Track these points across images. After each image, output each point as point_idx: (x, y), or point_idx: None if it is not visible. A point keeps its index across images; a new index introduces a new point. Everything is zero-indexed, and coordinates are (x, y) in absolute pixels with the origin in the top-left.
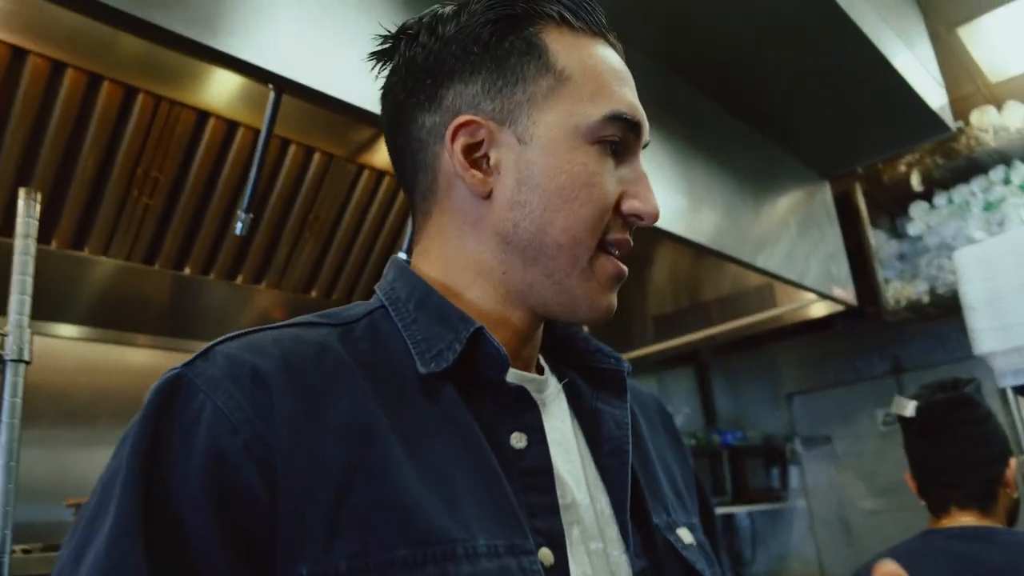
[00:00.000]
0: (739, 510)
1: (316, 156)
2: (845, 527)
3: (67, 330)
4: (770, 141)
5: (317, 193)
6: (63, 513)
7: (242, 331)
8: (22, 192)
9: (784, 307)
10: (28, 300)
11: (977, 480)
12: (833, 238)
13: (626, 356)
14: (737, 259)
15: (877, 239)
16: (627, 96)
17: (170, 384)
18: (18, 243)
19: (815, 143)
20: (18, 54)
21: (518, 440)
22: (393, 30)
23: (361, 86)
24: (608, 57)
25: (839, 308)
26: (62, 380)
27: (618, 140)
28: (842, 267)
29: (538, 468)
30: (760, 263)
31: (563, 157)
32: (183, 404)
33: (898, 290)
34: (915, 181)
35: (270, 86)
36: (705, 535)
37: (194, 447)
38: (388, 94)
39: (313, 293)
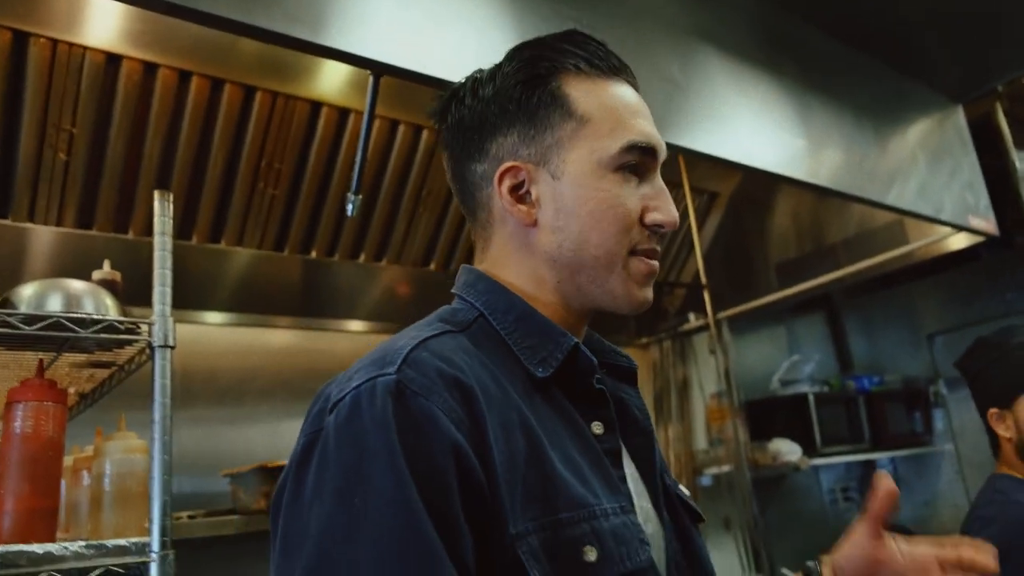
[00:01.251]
0: (880, 456)
1: (424, 133)
2: None
3: (213, 317)
4: (893, 70)
5: (428, 169)
6: (220, 483)
7: (416, 338)
8: (157, 194)
9: (917, 243)
10: (169, 291)
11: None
12: (969, 165)
13: (750, 305)
14: (865, 199)
15: (1022, 162)
16: (640, 126)
17: (393, 387)
18: (157, 240)
19: (945, 65)
20: (150, 68)
21: (597, 428)
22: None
23: (455, 62)
24: (622, 94)
25: (979, 239)
26: (211, 364)
27: (636, 163)
28: (981, 195)
29: (614, 449)
30: (891, 200)
31: (591, 186)
32: (411, 403)
33: None
34: None
35: (369, 72)
36: None
37: (437, 440)
38: (447, 147)
39: (432, 266)
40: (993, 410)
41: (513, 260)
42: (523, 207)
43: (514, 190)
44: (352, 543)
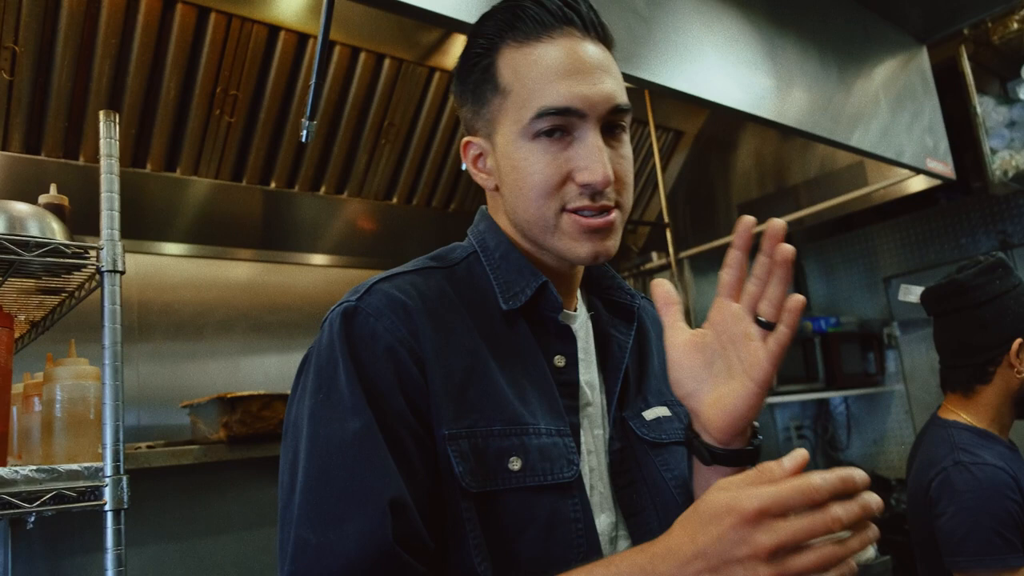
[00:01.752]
0: (833, 395)
1: (386, 62)
2: None
3: (171, 248)
4: (861, 8)
5: (390, 99)
6: (180, 416)
7: (389, 273)
8: (102, 115)
9: (876, 185)
10: (117, 215)
11: (963, 365)
12: (931, 109)
13: (710, 245)
14: (830, 139)
15: (984, 107)
16: (558, 88)
17: (351, 311)
18: (104, 163)
19: (910, 4)
20: None
21: (559, 360)
22: None
23: None
24: (545, 56)
25: (936, 183)
26: (169, 296)
27: (556, 127)
28: (940, 139)
29: (570, 381)
30: (854, 142)
31: (512, 157)
32: (363, 323)
33: (1006, 160)
34: None
35: None
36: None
37: (378, 349)
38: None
39: (394, 199)
40: (1020, 340)
41: (502, 211)
42: (483, 175)
43: (475, 161)
44: (315, 424)
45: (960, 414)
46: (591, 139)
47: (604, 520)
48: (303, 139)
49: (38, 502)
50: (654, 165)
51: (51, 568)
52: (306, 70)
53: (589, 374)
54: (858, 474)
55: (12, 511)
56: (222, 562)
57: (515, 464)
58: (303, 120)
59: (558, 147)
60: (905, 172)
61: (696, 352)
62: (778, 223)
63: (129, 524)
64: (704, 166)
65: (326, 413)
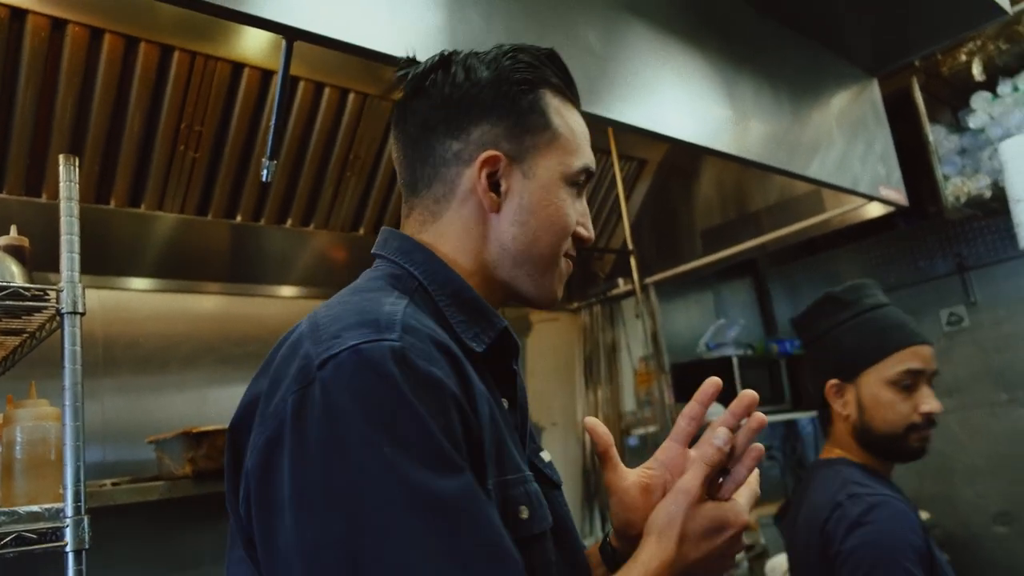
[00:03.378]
0: (800, 416)
1: (351, 96)
2: None
3: (137, 283)
4: (813, 42)
5: (355, 133)
6: (147, 451)
7: (396, 300)
8: (62, 158)
9: (833, 211)
10: (77, 257)
11: (817, 406)
12: (883, 138)
13: (677, 270)
14: (787, 171)
15: (936, 135)
16: (590, 153)
17: (399, 354)
18: (63, 206)
19: (860, 39)
20: (58, 24)
21: (505, 404)
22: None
23: (371, 29)
24: (582, 123)
25: (891, 209)
26: (135, 330)
27: (582, 183)
28: (892, 167)
29: (519, 424)
30: (811, 173)
31: (552, 193)
32: (420, 368)
33: (958, 186)
34: (976, 70)
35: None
36: None
37: (447, 399)
38: (416, 112)
39: (361, 231)
40: (833, 381)
41: (460, 239)
42: (493, 195)
43: (489, 178)
44: (404, 483)
45: (841, 452)
46: (586, 204)
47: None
48: (264, 178)
49: None
50: (618, 194)
51: None
52: (270, 105)
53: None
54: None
55: None
56: None
57: (524, 513)
58: (263, 160)
59: (574, 200)
60: (861, 199)
61: (647, 494)
62: (757, 416)
63: (97, 562)
64: (667, 194)
65: (414, 469)
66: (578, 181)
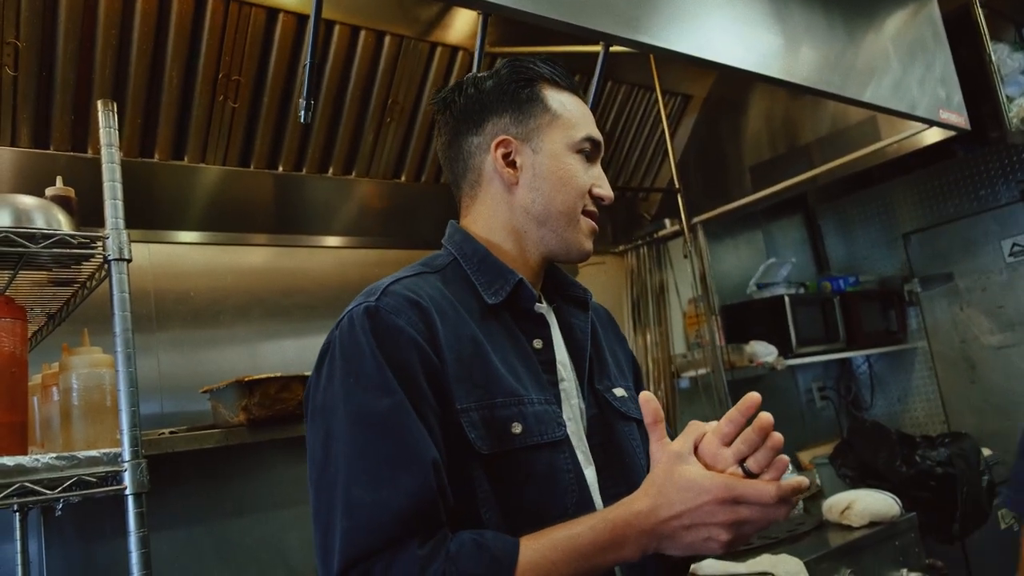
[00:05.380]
0: (854, 354)
1: (387, 39)
2: (970, 365)
3: (185, 236)
4: None
5: (393, 77)
6: (200, 402)
7: (395, 277)
8: (100, 104)
9: (890, 139)
10: (120, 204)
11: None
12: (942, 60)
13: (724, 208)
14: (841, 96)
15: (999, 54)
16: (592, 126)
17: (373, 309)
18: (104, 152)
19: None
20: None
21: (537, 343)
22: None
23: None
24: (580, 104)
25: (951, 134)
26: (184, 284)
27: (588, 151)
28: (953, 90)
29: (549, 360)
30: (867, 97)
31: (560, 160)
32: (385, 319)
33: (1023, 108)
34: None
35: None
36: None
37: (402, 340)
38: (447, 124)
39: (403, 178)
40: None
41: (492, 213)
42: (510, 171)
43: (504, 157)
44: (351, 404)
45: None
46: (600, 169)
47: (589, 473)
48: (302, 120)
49: (60, 488)
50: (663, 131)
51: (84, 556)
52: (306, 51)
53: (561, 355)
54: (800, 481)
55: (35, 498)
56: (249, 542)
57: (516, 428)
58: (300, 100)
59: (586, 165)
60: (919, 125)
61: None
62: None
63: (155, 509)
64: (714, 130)
65: (360, 394)
66: (584, 149)
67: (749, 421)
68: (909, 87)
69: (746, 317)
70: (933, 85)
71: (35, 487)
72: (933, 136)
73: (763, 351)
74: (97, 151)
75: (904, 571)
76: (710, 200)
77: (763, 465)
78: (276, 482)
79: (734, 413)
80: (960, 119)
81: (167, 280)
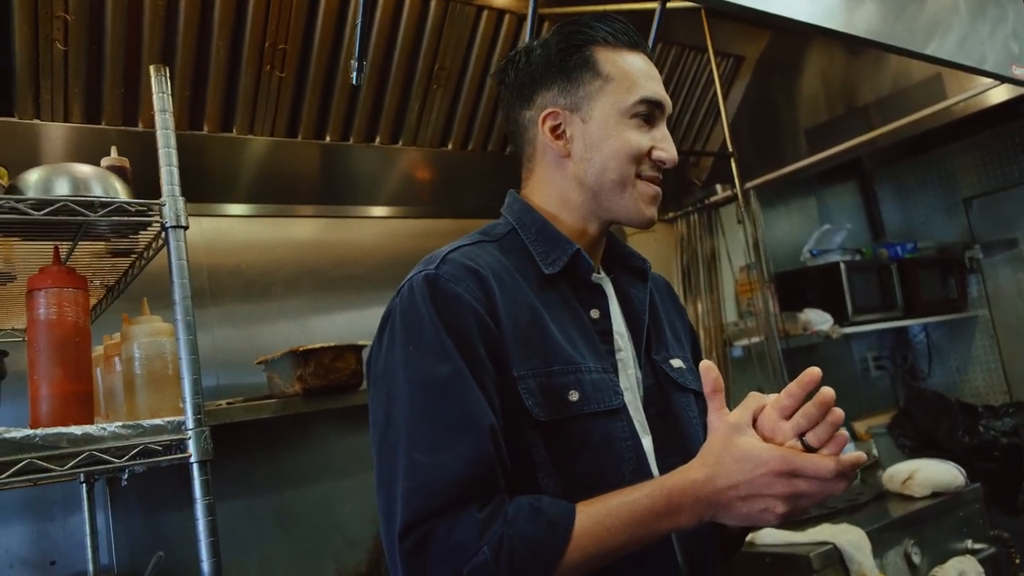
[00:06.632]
0: (912, 323)
1: (433, 3)
2: None
3: (234, 209)
4: None
5: (439, 42)
6: (255, 374)
7: (453, 246)
8: (152, 69)
9: (955, 98)
10: (175, 170)
11: None
12: (1015, 12)
13: (778, 173)
14: (905, 50)
15: None
16: (651, 86)
17: (432, 277)
18: (158, 119)
19: None
20: None
21: (595, 313)
22: None
23: None
24: (637, 62)
25: (1021, 92)
26: (236, 258)
27: (647, 113)
28: None
29: (606, 329)
30: (931, 51)
31: (611, 128)
32: (444, 287)
33: None
34: None
35: None
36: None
37: (460, 307)
38: (505, 99)
39: (449, 146)
40: None
41: (548, 185)
42: (560, 142)
43: (553, 130)
44: (411, 370)
45: None
46: (665, 129)
47: (646, 442)
48: (354, 81)
49: (126, 457)
50: (715, 93)
51: (149, 525)
52: (352, 18)
53: (618, 325)
54: (860, 456)
55: (103, 466)
56: (308, 511)
57: (574, 396)
58: (352, 61)
59: (645, 128)
60: (987, 82)
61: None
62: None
63: (216, 479)
64: (768, 92)
65: (419, 360)
66: (640, 112)
67: (809, 396)
68: (978, 40)
69: (800, 285)
70: (1004, 38)
71: (103, 455)
72: (1000, 95)
73: (818, 319)
74: (148, 124)
75: (969, 542)
76: (763, 164)
77: (823, 440)
78: (334, 451)
79: (794, 387)
80: None
81: (219, 255)
